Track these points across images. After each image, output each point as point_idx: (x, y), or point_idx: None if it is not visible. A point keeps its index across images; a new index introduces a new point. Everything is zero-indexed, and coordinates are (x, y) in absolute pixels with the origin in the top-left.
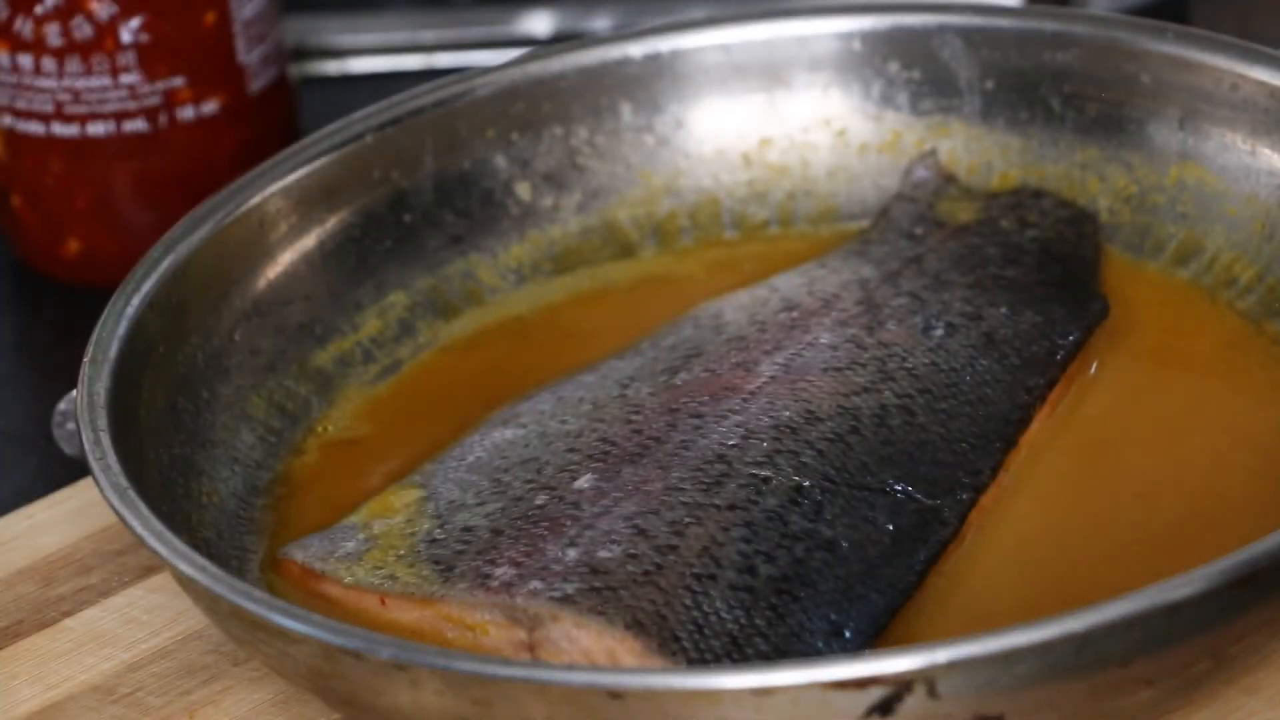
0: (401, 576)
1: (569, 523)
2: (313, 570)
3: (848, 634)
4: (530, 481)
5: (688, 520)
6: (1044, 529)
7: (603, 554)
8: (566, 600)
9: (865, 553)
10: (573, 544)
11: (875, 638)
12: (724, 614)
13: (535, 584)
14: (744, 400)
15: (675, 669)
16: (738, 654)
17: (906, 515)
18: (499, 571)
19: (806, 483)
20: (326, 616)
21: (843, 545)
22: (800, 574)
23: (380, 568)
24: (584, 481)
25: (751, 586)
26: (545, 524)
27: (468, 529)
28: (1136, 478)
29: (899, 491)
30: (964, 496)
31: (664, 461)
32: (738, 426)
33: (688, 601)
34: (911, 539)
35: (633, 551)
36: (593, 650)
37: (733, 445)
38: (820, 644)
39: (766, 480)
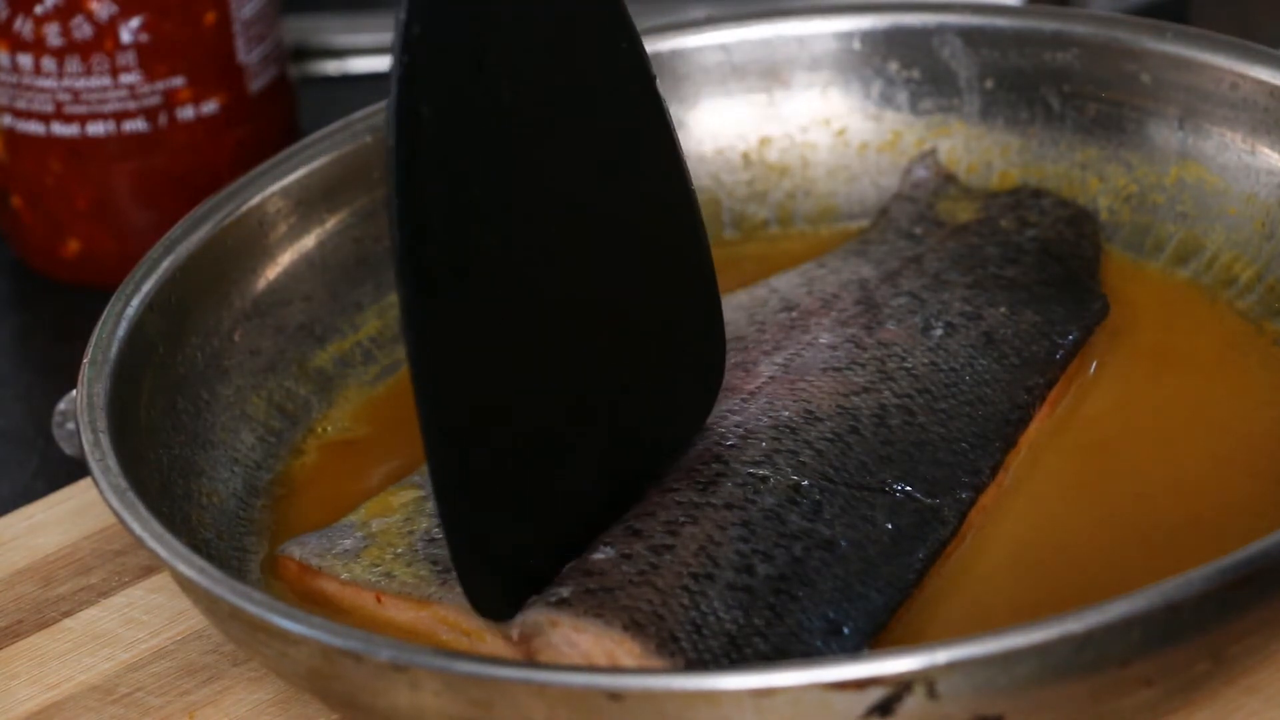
0: (399, 575)
1: None
2: (309, 567)
3: (847, 632)
4: None
5: (683, 519)
6: (1044, 528)
7: (596, 556)
8: (562, 604)
9: (864, 552)
10: None
11: (874, 636)
12: (722, 614)
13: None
14: (743, 400)
15: (675, 670)
16: (736, 654)
17: (906, 514)
18: None
19: (805, 482)
20: (323, 615)
21: (841, 544)
22: (799, 573)
23: (377, 565)
24: None
25: (749, 586)
26: None
27: None
28: (1136, 477)
29: (898, 491)
30: (964, 496)
31: None
32: (736, 426)
33: (685, 602)
34: (911, 538)
35: (626, 552)
36: (592, 653)
37: (730, 445)
38: (819, 643)
39: (764, 479)
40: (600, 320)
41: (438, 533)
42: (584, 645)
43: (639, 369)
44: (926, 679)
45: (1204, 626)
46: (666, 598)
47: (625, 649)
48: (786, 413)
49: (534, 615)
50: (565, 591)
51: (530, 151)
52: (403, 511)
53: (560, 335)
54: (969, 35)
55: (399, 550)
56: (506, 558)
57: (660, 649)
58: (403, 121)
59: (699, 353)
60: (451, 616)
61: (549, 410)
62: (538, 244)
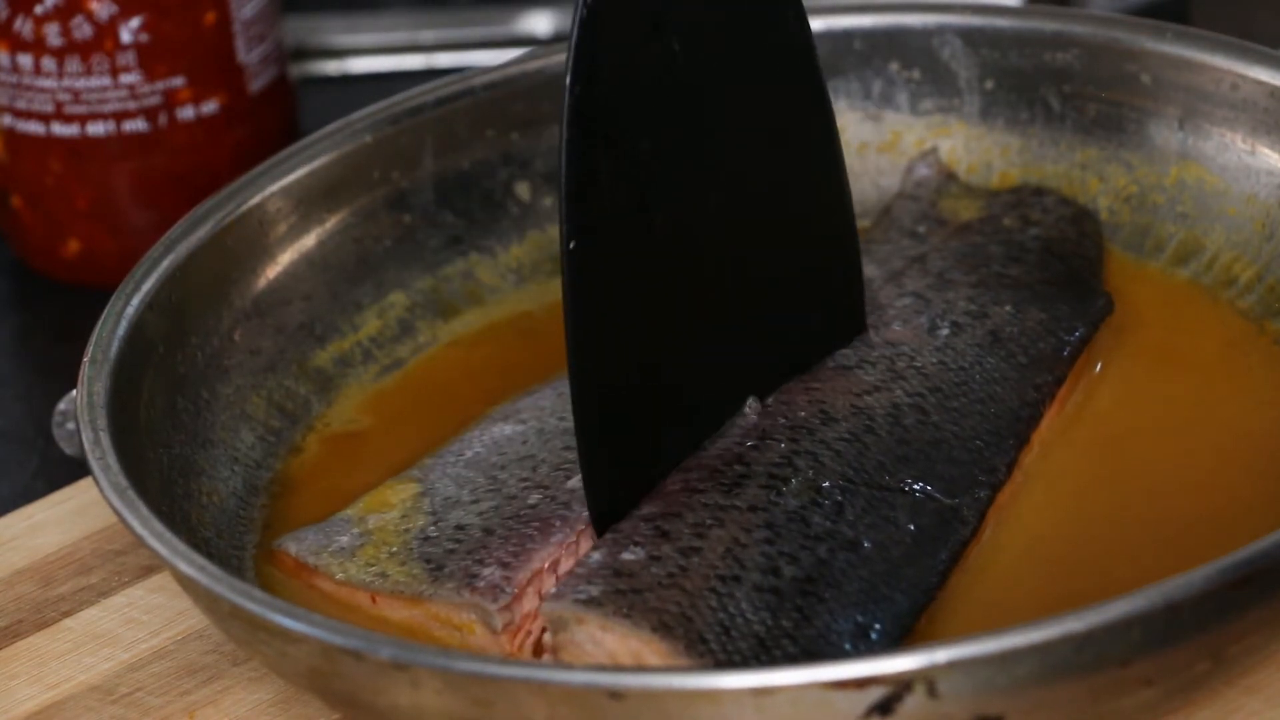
0: (392, 574)
1: (558, 523)
2: (305, 564)
3: (874, 635)
4: (526, 480)
5: (709, 522)
6: (1060, 525)
7: (626, 556)
8: (591, 603)
9: (888, 553)
10: (596, 546)
11: (901, 638)
12: (750, 616)
13: (559, 586)
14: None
15: (675, 669)
16: (765, 656)
17: (926, 514)
18: (486, 572)
19: (826, 483)
20: (319, 611)
21: (865, 546)
22: (825, 575)
23: (372, 565)
24: (577, 481)
25: (776, 588)
26: (536, 524)
27: (460, 527)
28: (1145, 474)
29: (918, 491)
30: (982, 495)
31: None
32: (754, 428)
33: (713, 604)
34: (933, 539)
35: (656, 554)
36: (618, 652)
37: (750, 446)
38: (848, 645)
39: (786, 480)
40: (745, 246)
41: (433, 531)
42: (609, 644)
43: (779, 296)
44: (927, 678)
45: (1204, 626)
46: (695, 600)
47: (653, 649)
48: (802, 413)
49: (560, 610)
50: (595, 590)
51: (695, 102)
52: (400, 508)
53: (702, 263)
54: (969, 35)
55: (394, 549)
56: (628, 466)
57: (689, 650)
58: (580, 62)
59: (837, 293)
60: (443, 612)
61: (687, 333)
62: (693, 184)
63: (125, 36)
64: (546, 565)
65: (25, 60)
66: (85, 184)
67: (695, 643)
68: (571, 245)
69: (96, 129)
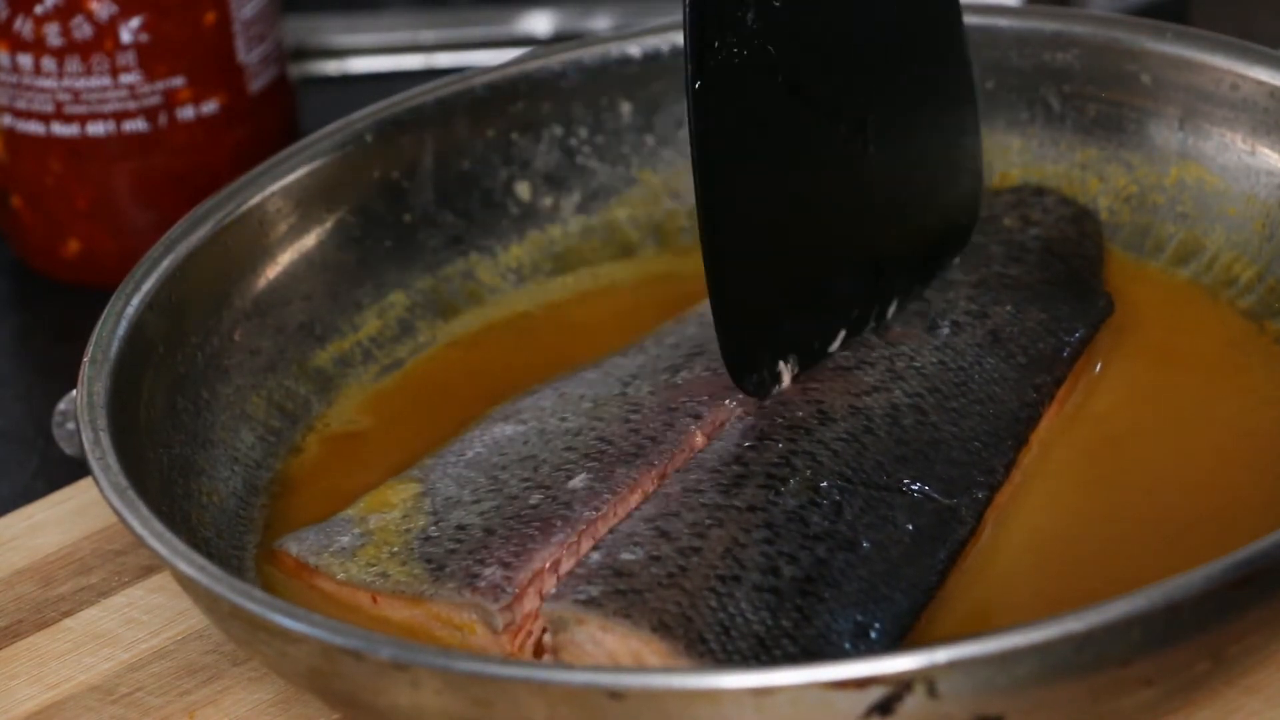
0: (393, 574)
1: (559, 523)
2: (306, 565)
3: (874, 635)
4: (527, 480)
5: (709, 522)
6: (1058, 524)
7: (626, 556)
8: (591, 603)
9: (887, 553)
10: (595, 547)
11: (901, 638)
12: (749, 615)
13: (559, 586)
14: (755, 401)
15: (675, 669)
16: (765, 655)
17: (925, 515)
18: (487, 572)
19: (824, 483)
20: (320, 611)
21: (864, 545)
22: (824, 575)
23: (373, 565)
24: (578, 481)
25: (776, 588)
26: (537, 524)
27: (461, 527)
28: (1145, 474)
29: (916, 491)
30: (980, 495)
31: (655, 460)
32: (751, 429)
33: (713, 604)
34: (931, 539)
35: (655, 554)
36: (618, 652)
37: (748, 446)
38: (848, 645)
39: (784, 480)
40: (871, 144)
41: (434, 531)
42: (610, 644)
43: (903, 201)
44: (927, 678)
45: (1204, 626)
46: (694, 599)
47: (653, 649)
48: (800, 414)
49: (560, 611)
50: (594, 590)
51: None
52: (401, 508)
53: (828, 137)
54: (969, 35)
55: (395, 549)
56: (762, 328)
57: (689, 650)
58: None
59: (958, 189)
60: (444, 612)
61: (816, 219)
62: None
63: (125, 36)
64: (548, 565)
65: (25, 60)
66: (85, 184)
67: (695, 643)
68: (697, 85)
69: (96, 129)
